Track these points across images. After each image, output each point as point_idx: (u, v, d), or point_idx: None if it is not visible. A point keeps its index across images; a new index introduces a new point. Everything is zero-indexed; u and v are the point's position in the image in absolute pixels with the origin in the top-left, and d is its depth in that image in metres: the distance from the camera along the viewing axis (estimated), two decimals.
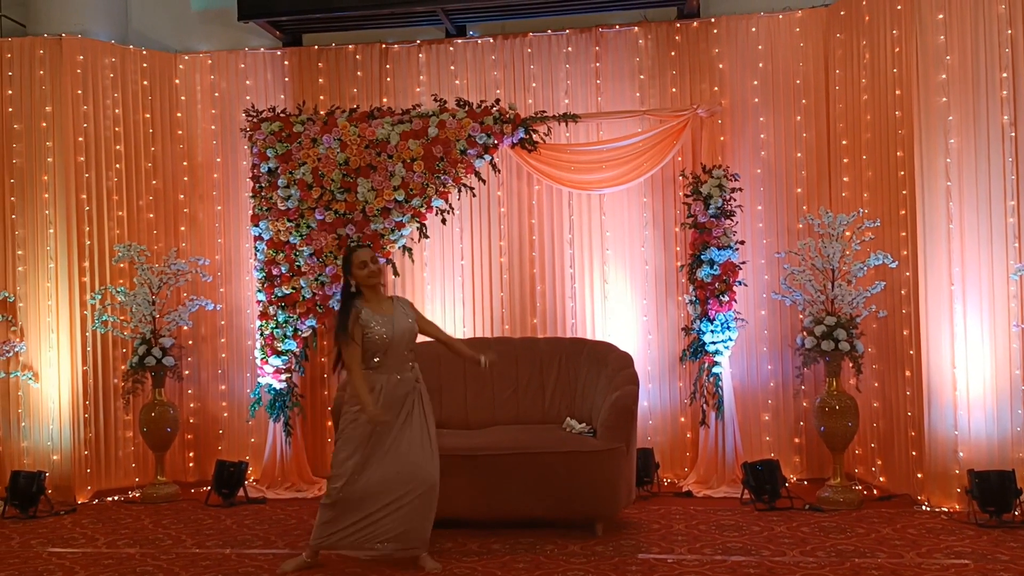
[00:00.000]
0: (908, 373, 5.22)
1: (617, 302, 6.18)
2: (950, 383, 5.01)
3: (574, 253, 6.24)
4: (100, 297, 5.95)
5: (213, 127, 6.55)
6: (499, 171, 6.05)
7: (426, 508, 4.14)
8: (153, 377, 5.91)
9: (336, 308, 4.46)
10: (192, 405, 6.48)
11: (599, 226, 6.22)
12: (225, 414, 6.49)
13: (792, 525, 4.78)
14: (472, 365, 4.49)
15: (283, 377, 5.98)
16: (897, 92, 5.25)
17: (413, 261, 6.08)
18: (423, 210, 5.84)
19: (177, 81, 6.56)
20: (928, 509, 5.00)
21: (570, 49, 6.26)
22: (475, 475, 4.62)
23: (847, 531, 4.64)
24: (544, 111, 5.94)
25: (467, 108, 5.83)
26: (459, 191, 5.91)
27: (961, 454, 4.96)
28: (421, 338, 4.39)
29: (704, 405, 5.77)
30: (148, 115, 6.39)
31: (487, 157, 5.83)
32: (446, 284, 6.34)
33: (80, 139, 6.01)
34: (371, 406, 4.07)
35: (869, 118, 5.55)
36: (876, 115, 5.48)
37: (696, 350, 5.78)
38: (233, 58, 6.56)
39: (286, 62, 6.52)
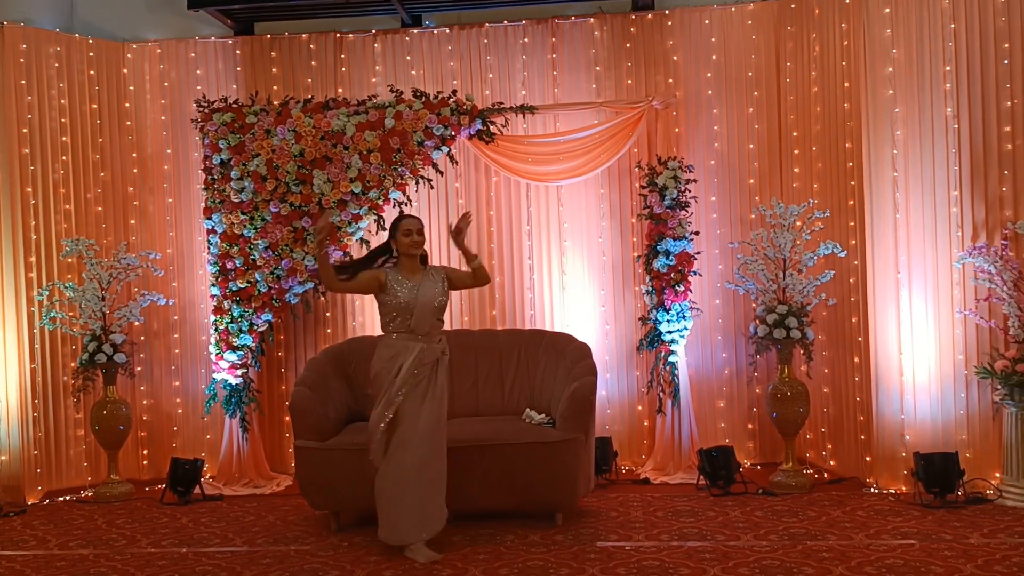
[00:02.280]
0: (857, 359, 5.35)
1: (575, 293, 6.23)
2: (897, 369, 5.16)
3: (532, 244, 6.26)
4: (48, 293, 5.81)
5: (163, 118, 6.43)
6: (457, 163, 6.05)
7: (432, 493, 4.26)
8: (104, 374, 5.80)
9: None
10: (145, 402, 6.38)
11: (557, 217, 6.25)
12: (179, 411, 6.40)
13: (746, 510, 4.89)
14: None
15: (239, 373, 5.92)
16: (846, 84, 5.36)
17: None
18: (380, 202, 5.82)
19: (125, 71, 6.42)
20: (876, 491, 5.14)
21: (526, 40, 6.27)
22: None
23: (799, 514, 4.75)
24: (501, 102, 5.96)
25: (424, 99, 5.81)
26: (417, 183, 5.89)
27: (907, 437, 5.11)
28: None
29: (660, 393, 5.86)
30: (95, 106, 6.25)
31: (444, 149, 5.82)
32: None
33: (24, 130, 5.85)
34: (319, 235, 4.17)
35: (819, 110, 5.66)
36: (826, 107, 5.59)
37: (652, 339, 5.86)
38: (183, 47, 6.44)
39: (238, 51, 6.42)
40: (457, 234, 4.37)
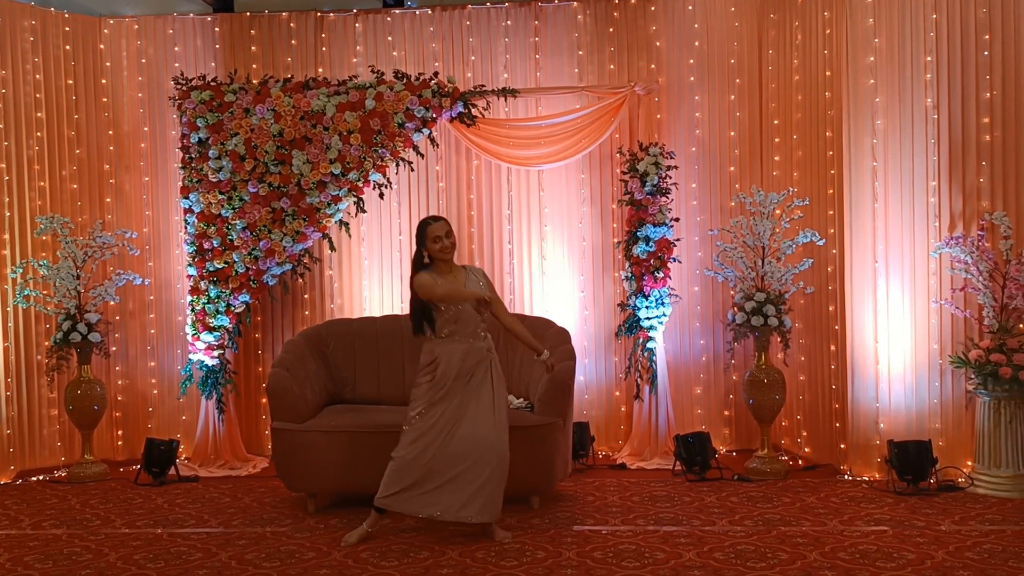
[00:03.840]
0: (833, 348, 5.39)
1: (555, 278, 6.23)
2: (872, 357, 5.20)
3: (512, 229, 6.25)
4: (21, 271, 5.73)
5: (140, 95, 6.34)
6: (437, 145, 6.01)
7: (496, 481, 4.16)
8: (78, 354, 5.74)
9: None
10: (120, 382, 6.32)
11: (537, 202, 6.24)
12: (155, 391, 6.35)
13: (721, 495, 4.92)
14: (530, 353, 4.48)
15: (215, 353, 5.87)
16: (827, 73, 5.37)
17: (350, 236, 6.02)
18: (360, 184, 5.77)
19: (102, 46, 6.31)
20: (850, 478, 5.19)
21: (509, 23, 6.23)
22: None
23: (773, 500, 4.79)
24: (483, 85, 5.92)
25: (405, 80, 5.76)
26: (397, 165, 5.85)
27: (882, 425, 5.16)
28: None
29: (638, 379, 5.88)
30: (71, 81, 6.15)
31: (425, 131, 5.78)
32: (384, 259, 6.29)
33: None
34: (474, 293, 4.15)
35: (800, 98, 5.67)
36: (807, 96, 5.60)
37: (631, 325, 5.87)
38: (161, 23, 6.34)
39: (217, 29, 6.33)
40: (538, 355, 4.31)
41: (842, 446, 5.31)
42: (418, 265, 4.31)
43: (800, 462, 5.65)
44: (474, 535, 4.26)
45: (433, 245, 4.25)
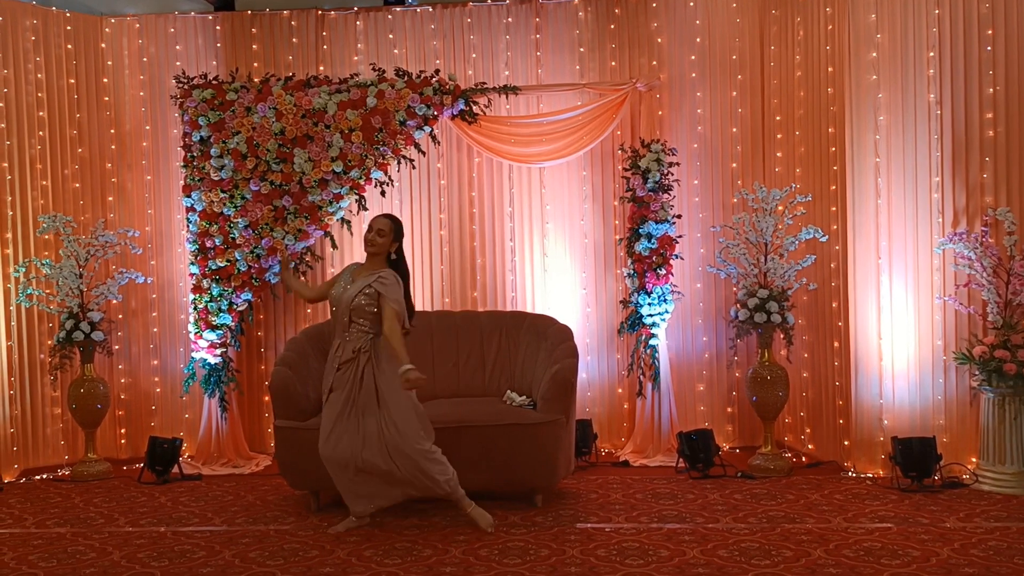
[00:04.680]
0: (836, 344, 5.38)
1: (557, 275, 6.22)
2: (876, 354, 5.19)
3: (514, 226, 6.24)
4: (24, 270, 5.73)
5: (142, 94, 6.34)
6: (439, 143, 6.00)
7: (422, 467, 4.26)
8: (81, 352, 5.74)
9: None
10: (123, 381, 6.33)
11: (539, 199, 6.23)
12: (158, 390, 6.35)
13: (725, 492, 4.91)
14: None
15: (218, 352, 5.87)
16: (830, 69, 5.35)
17: (352, 233, 6.01)
18: (362, 182, 5.77)
19: (103, 45, 6.31)
20: (854, 475, 5.18)
21: (510, 20, 6.22)
22: None
23: (777, 497, 4.79)
24: (484, 82, 5.91)
25: (406, 78, 5.76)
26: (398, 163, 5.85)
27: (886, 422, 5.15)
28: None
29: (641, 376, 5.87)
30: (73, 80, 6.14)
31: (427, 128, 5.78)
32: None
33: (0, 105, 5.75)
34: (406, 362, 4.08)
35: (802, 94, 5.66)
36: (809, 92, 5.58)
37: (633, 322, 5.87)
38: (162, 22, 6.34)
39: (218, 27, 6.33)
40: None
41: (846, 443, 5.30)
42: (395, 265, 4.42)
43: (804, 459, 5.65)
44: (477, 533, 4.26)
45: (366, 234, 4.37)
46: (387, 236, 4.34)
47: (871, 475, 5.15)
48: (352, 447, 4.26)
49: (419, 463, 4.24)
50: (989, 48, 4.99)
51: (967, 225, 5.05)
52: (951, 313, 5.09)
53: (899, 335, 5.16)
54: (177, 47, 6.33)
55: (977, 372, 4.88)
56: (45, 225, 5.72)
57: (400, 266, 4.39)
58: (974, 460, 4.99)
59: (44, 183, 5.98)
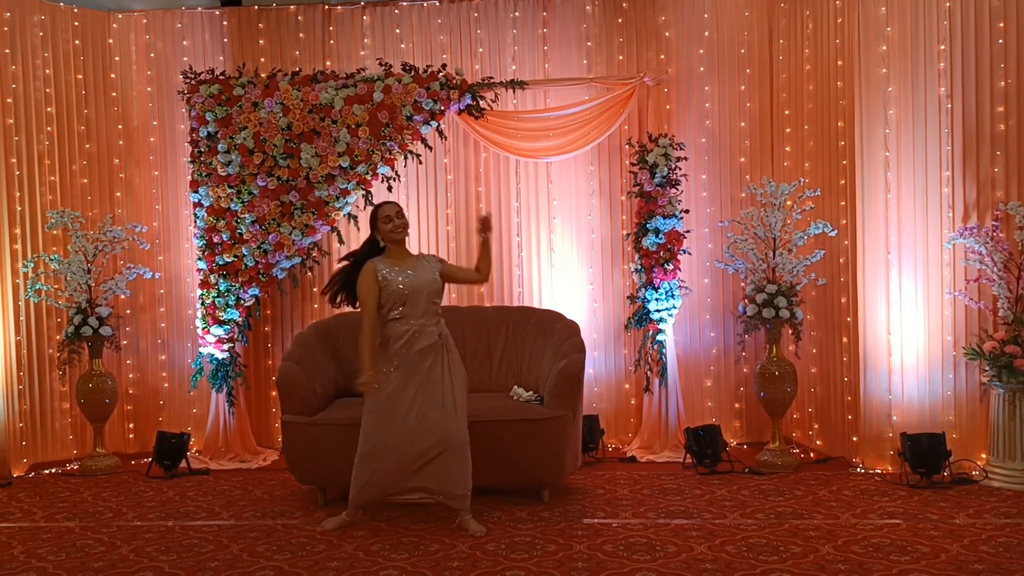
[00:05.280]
0: (845, 340, 5.35)
1: (564, 270, 6.21)
2: (885, 349, 5.16)
3: (521, 221, 6.23)
4: (33, 265, 5.75)
5: (149, 89, 6.35)
6: (446, 138, 5.99)
7: (456, 465, 4.18)
8: (90, 347, 5.76)
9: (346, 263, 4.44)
10: (131, 376, 6.35)
11: (546, 194, 6.21)
12: (166, 384, 6.37)
13: (732, 488, 4.90)
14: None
15: (225, 347, 5.88)
16: (839, 63, 5.32)
17: (359, 229, 6.00)
18: (369, 177, 5.77)
19: (111, 41, 6.32)
20: (863, 471, 5.16)
21: (517, 14, 6.20)
22: None
23: (785, 493, 4.77)
24: (491, 77, 5.90)
25: (413, 73, 5.75)
26: (405, 158, 5.84)
27: (894, 418, 5.12)
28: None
29: (648, 372, 5.86)
30: (80, 76, 6.16)
31: (433, 123, 5.77)
32: None
33: (8, 100, 5.77)
34: (366, 371, 4.12)
35: (811, 88, 5.62)
36: (818, 85, 5.55)
37: (641, 318, 5.85)
38: (169, 17, 6.34)
39: (225, 22, 6.33)
40: (486, 229, 4.30)
41: (854, 439, 5.28)
42: (363, 254, 4.32)
43: (812, 455, 5.63)
44: (484, 527, 4.25)
45: (385, 226, 4.24)
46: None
47: (880, 471, 5.12)
48: (419, 432, 4.18)
49: (462, 456, 4.20)
50: (1001, 41, 4.95)
51: (977, 220, 5.01)
52: (961, 308, 5.06)
53: (908, 330, 5.13)
54: (184, 42, 6.34)
55: (987, 368, 4.85)
56: (53, 220, 5.73)
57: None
58: (984, 456, 4.96)
59: (52, 179, 5.99)
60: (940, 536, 3.98)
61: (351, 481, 4.28)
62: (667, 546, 3.95)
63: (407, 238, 4.38)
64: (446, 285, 4.45)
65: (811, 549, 3.86)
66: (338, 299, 4.40)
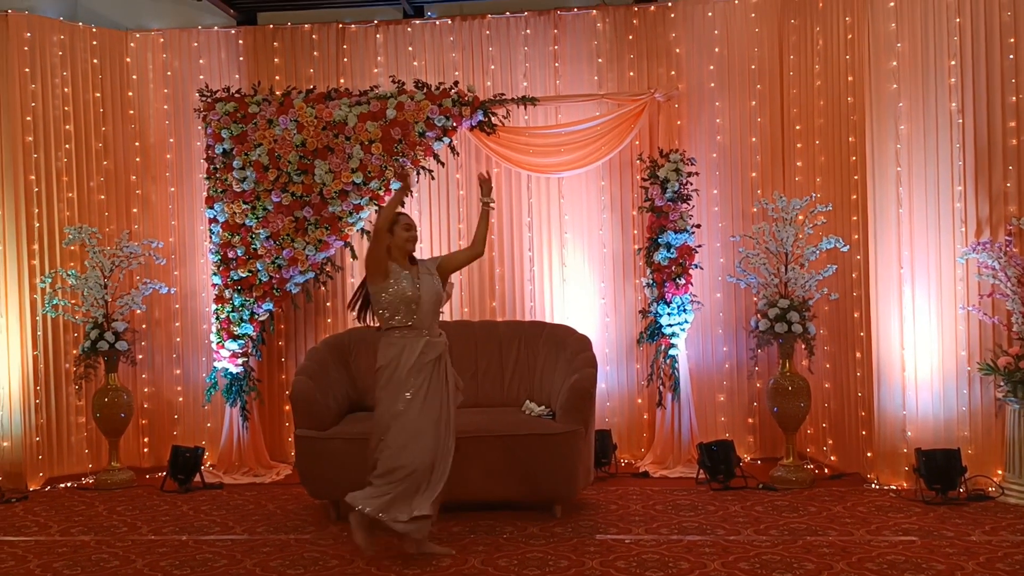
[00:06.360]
0: (859, 355, 5.33)
1: (575, 285, 6.22)
2: (899, 364, 5.14)
3: (533, 236, 6.25)
4: (50, 280, 5.82)
5: (166, 107, 6.43)
6: (458, 154, 6.03)
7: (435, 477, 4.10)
8: (106, 362, 5.81)
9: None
10: (146, 390, 6.40)
11: (557, 209, 6.24)
12: (180, 399, 6.41)
13: (746, 504, 4.88)
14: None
15: (240, 361, 5.92)
16: (849, 78, 5.33)
17: None
18: (381, 192, 5.81)
19: (128, 59, 6.41)
20: (877, 487, 5.13)
21: (528, 32, 6.25)
22: None
23: (799, 509, 4.75)
24: (503, 94, 5.94)
25: (425, 90, 5.80)
26: (418, 173, 5.88)
27: (909, 433, 5.09)
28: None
29: (660, 387, 5.85)
30: (99, 94, 6.25)
31: (446, 140, 5.81)
32: None
33: (28, 119, 5.86)
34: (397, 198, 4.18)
35: (822, 104, 5.63)
36: (829, 101, 5.56)
37: (653, 332, 5.85)
38: (186, 36, 6.43)
39: (240, 41, 6.41)
40: (487, 192, 4.40)
41: (869, 454, 5.25)
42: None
43: (826, 471, 5.60)
44: (497, 543, 4.26)
45: (404, 232, 4.20)
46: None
47: (894, 487, 5.09)
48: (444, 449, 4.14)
49: (449, 463, 4.15)
50: (1011, 56, 4.95)
51: (991, 235, 5.00)
52: (975, 323, 5.04)
53: (922, 345, 5.10)
54: (200, 61, 6.42)
55: (1002, 383, 4.82)
56: (71, 236, 5.80)
57: None
58: (1000, 472, 4.92)
59: (70, 195, 6.07)
60: (956, 553, 3.95)
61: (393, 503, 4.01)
62: (680, 563, 3.94)
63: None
64: (450, 288, 4.46)
65: (825, 566, 3.84)
66: (364, 313, 4.32)
